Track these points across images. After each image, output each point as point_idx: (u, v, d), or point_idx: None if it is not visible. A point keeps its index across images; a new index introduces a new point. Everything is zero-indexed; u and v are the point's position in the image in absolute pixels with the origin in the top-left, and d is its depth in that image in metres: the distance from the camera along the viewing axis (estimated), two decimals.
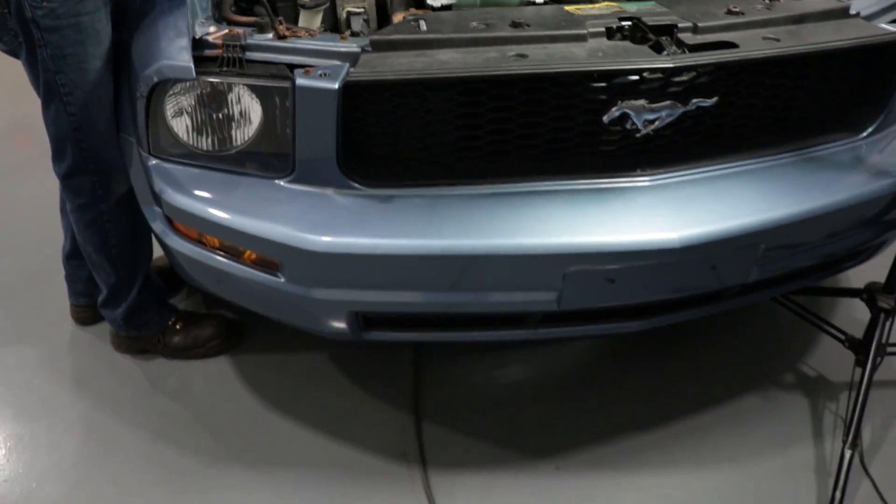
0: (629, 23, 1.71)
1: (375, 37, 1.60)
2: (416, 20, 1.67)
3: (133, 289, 2.15)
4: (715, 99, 1.66)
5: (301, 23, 1.80)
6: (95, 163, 1.92)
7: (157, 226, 1.85)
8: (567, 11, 1.76)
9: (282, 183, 1.67)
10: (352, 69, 1.54)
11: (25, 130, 3.84)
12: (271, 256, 1.63)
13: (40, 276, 2.66)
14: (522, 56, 1.56)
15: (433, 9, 1.83)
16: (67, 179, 1.96)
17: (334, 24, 1.94)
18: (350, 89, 1.53)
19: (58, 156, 1.93)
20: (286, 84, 1.56)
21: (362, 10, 1.93)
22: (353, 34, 1.85)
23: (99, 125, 1.87)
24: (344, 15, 1.92)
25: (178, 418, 2.13)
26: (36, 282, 2.66)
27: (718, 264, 1.66)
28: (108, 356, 2.33)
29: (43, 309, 2.53)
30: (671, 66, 1.57)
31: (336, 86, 1.52)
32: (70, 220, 2.09)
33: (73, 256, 2.31)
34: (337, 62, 1.57)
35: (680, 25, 1.68)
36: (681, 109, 1.63)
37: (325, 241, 1.56)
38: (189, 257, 1.78)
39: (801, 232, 1.69)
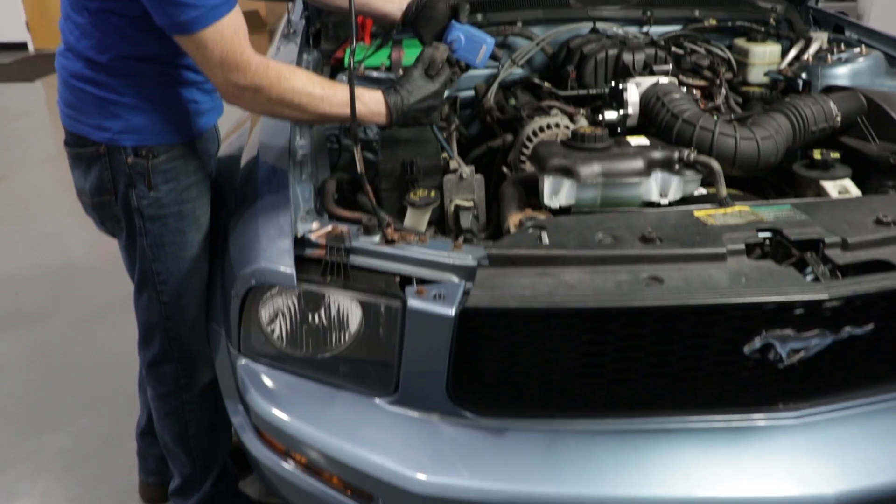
0: (769, 234, 1.53)
1: (494, 251, 1.44)
2: (537, 229, 1.52)
3: (208, 480, 2.00)
4: (870, 326, 1.46)
5: (407, 221, 1.67)
6: (182, 352, 1.81)
7: (239, 423, 1.70)
8: (698, 219, 1.57)
9: (382, 403, 1.51)
10: (468, 285, 1.40)
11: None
12: (366, 489, 1.46)
13: (112, 442, 2.54)
14: (657, 280, 1.39)
15: (550, 210, 1.68)
16: (151, 368, 1.85)
17: (440, 217, 1.80)
18: (467, 314, 1.39)
19: (145, 343, 1.84)
20: (396, 303, 1.42)
21: (471, 203, 1.77)
22: (464, 230, 1.71)
23: (189, 314, 1.77)
24: (452, 208, 1.78)
25: None
26: (107, 448, 2.54)
27: None
28: None
29: (112, 478, 2.40)
30: (827, 297, 1.38)
31: (452, 312, 1.37)
32: (149, 404, 1.96)
33: (147, 433, 2.18)
34: (452, 278, 1.43)
35: (826, 241, 1.50)
36: (831, 338, 1.44)
37: (428, 481, 1.39)
38: (273, 470, 1.62)
39: None
